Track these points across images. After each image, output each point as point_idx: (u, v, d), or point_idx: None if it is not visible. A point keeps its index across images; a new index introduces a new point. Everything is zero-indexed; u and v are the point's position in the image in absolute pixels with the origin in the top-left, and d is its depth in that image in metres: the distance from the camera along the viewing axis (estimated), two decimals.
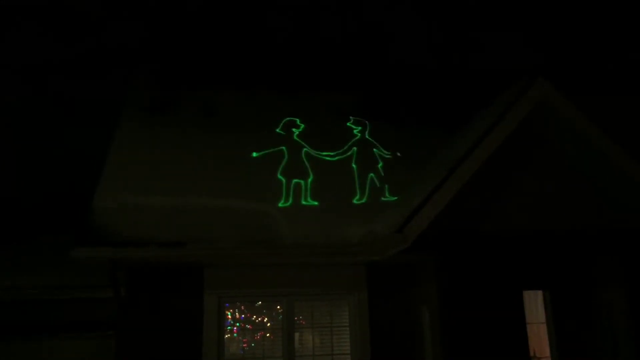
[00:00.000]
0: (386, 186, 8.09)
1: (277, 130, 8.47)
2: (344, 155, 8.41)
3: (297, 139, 8.40)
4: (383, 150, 8.62)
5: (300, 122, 8.63)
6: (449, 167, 6.92)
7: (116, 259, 6.84)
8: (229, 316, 7.61)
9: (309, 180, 7.87)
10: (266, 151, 8.14)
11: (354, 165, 8.30)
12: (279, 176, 7.92)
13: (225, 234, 7.10)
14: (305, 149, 8.29)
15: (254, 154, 8.13)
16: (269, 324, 7.67)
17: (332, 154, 8.35)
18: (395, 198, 7.90)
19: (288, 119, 8.72)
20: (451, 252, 6.88)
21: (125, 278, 7.31)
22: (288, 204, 7.61)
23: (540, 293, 7.41)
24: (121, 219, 7.08)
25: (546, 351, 7.33)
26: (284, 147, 8.25)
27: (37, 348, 8.19)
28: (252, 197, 7.62)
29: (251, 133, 8.94)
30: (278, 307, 7.67)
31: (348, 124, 8.87)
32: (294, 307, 7.63)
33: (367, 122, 8.99)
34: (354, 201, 7.82)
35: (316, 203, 7.64)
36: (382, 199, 7.92)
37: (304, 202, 7.62)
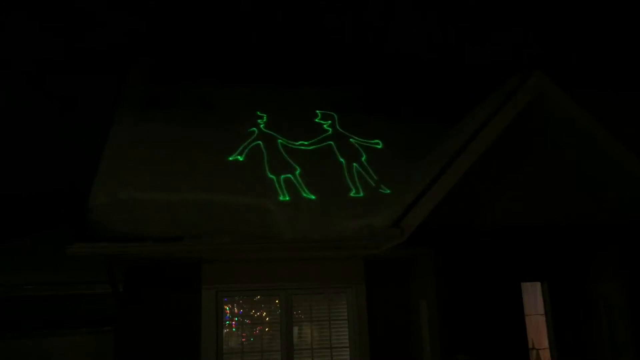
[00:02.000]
0: (376, 179, 8.04)
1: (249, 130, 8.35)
2: (320, 145, 8.34)
3: (266, 130, 8.30)
4: (358, 139, 8.52)
5: (261, 113, 8.52)
6: (446, 160, 6.91)
7: (113, 254, 6.83)
8: (228, 311, 7.62)
9: (297, 173, 7.81)
10: (238, 151, 7.99)
11: (342, 160, 8.21)
12: (268, 174, 7.85)
13: (222, 229, 7.08)
14: (279, 140, 8.19)
15: (230, 158, 7.98)
16: (267, 318, 7.67)
17: (306, 143, 8.29)
18: (389, 191, 7.86)
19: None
20: (449, 245, 6.87)
21: (123, 274, 7.31)
22: (287, 198, 7.58)
23: (538, 285, 7.42)
24: (118, 215, 7.06)
25: (545, 342, 7.34)
26: (260, 142, 8.14)
27: (36, 344, 8.18)
28: (249, 192, 7.61)
29: (248, 128, 8.92)
30: (276, 301, 7.67)
31: (316, 119, 8.76)
32: (292, 301, 7.64)
33: (334, 114, 8.91)
34: (351, 194, 7.79)
35: (314, 197, 7.59)
36: (380, 190, 7.89)
37: (304, 195, 7.57)
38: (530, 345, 7.16)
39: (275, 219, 7.30)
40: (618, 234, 7.19)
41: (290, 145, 8.26)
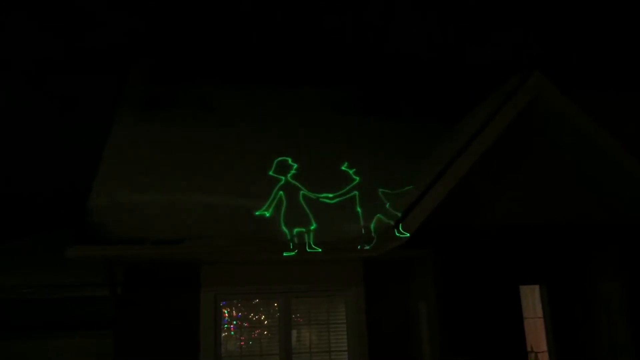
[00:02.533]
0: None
1: (270, 173, 7.62)
2: (344, 197, 7.53)
3: (292, 181, 7.59)
4: (388, 190, 7.57)
5: (293, 161, 7.74)
6: (445, 162, 6.90)
7: (112, 257, 6.84)
8: (226, 314, 7.60)
9: (312, 228, 7.18)
10: (267, 204, 7.32)
11: (358, 209, 7.45)
12: (283, 228, 7.16)
13: (221, 231, 7.06)
14: (302, 192, 7.46)
15: (257, 213, 7.30)
16: (266, 321, 7.66)
17: (330, 195, 7.56)
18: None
19: (280, 159, 7.77)
20: (448, 247, 6.86)
21: (122, 276, 7.29)
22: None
23: (537, 288, 7.40)
24: (117, 217, 7.05)
25: (543, 346, 7.33)
26: (281, 193, 7.43)
27: (35, 347, 8.16)
28: (248, 194, 7.57)
29: (248, 129, 8.91)
30: (275, 304, 7.65)
31: (342, 167, 7.86)
32: (291, 304, 7.62)
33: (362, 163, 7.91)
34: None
35: (320, 249, 7.04)
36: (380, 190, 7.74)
37: (308, 250, 7.03)
38: (528, 349, 7.14)
39: (275, 221, 7.27)
40: (617, 234, 7.18)
41: (313, 197, 7.50)
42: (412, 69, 11.35)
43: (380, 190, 7.55)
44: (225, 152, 8.36)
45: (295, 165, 7.69)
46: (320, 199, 7.50)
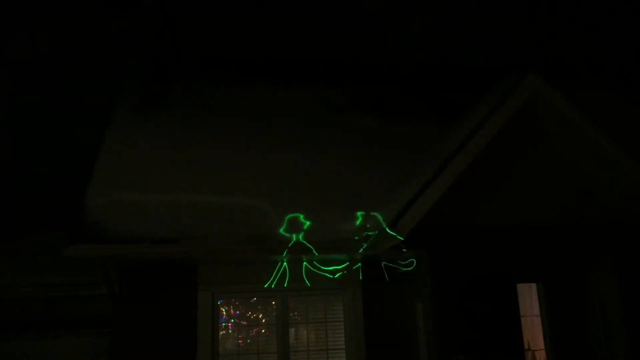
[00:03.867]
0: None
1: (281, 231, 7.20)
2: (346, 272, 7.44)
3: (303, 241, 7.11)
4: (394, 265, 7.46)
5: (305, 219, 7.33)
6: (441, 161, 6.92)
7: (109, 256, 6.85)
8: (224, 312, 7.61)
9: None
10: (273, 275, 7.30)
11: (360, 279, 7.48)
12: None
13: (218, 231, 7.07)
14: (305, 263, 7.30)
15: (265, 286, 7.29)
16: (263, 320, 7.66)
17: (330, 269, 7.39)
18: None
19: (291, 215, 7.33)
20: (445, 246, 6.87)
21: (119, 275, 7.30)
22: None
23: (534, 286, 7.43)
24: (114, 216, 7.06)
25: (541, 343, 7.35)
26: (284, 258, 7.22)
27: (32, 346, 8.18)
28: (245, 194, 7.59)
29: (245, 128, 8.92)
30: (273, 302, 7.65)
31: (356, 237, 7.24)
32: (289, 302, 7.62)
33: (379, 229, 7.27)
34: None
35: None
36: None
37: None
38: (526, 346, 7.16)
39: (272, 221, 7.28)
40: (613, 234, 7.20)
41: (315, 271, 7.37)
42: (410, 69, 11.30)
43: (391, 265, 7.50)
44: (222, 152, 8.36)
45: (308, 223, 7.30)
46: (322, 271, 7.42)
